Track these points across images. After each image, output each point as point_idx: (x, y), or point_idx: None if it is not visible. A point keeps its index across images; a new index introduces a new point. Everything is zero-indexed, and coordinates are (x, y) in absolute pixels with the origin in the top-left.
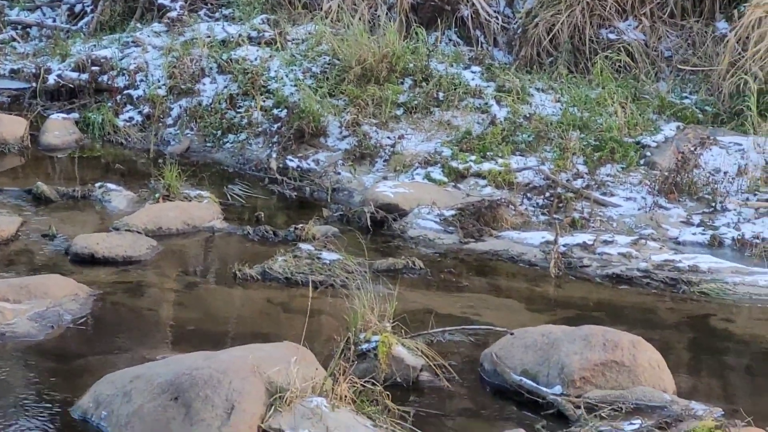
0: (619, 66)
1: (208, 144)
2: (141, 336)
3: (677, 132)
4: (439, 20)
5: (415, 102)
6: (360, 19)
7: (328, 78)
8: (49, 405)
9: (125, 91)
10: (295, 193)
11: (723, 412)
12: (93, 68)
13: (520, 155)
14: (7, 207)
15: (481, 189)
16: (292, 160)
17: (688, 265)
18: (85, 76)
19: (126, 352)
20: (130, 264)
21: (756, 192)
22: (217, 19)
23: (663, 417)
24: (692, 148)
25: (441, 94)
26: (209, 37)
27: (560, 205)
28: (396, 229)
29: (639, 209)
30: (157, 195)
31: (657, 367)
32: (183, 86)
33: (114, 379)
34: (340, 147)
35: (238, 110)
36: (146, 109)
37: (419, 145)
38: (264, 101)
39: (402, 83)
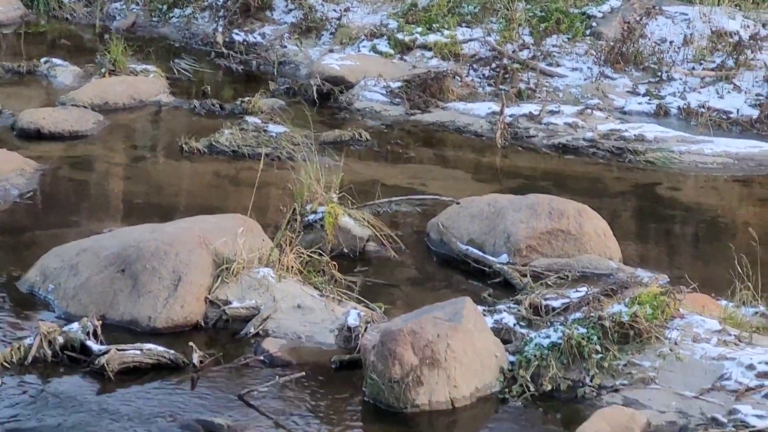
0: None
1: (154, 19)
2: (88, 210)
3: (623, 2)
4: None
5: None
6: None
7: None
8: None
9: None
10: (242, 67)
11: (668, 279)
12: None
13: (466, 27)
14: None
15: (427, 61)
16: (239, 34)
17: (634, 135)
18: None
19: (73, 225)
20: (77, 139)
21: (701, 61)
22: None
23: (609, 284)
24: (638, 18)
25: None
26: None
27: (506, 76)
28: (342, 102)
29: (585, 79)
30: (103, 70)
31: (603, 235)
32: None
33: (61, 253)
34: (286, 20)
35: None
36: None
37: (365, 17)
38: None
39: None
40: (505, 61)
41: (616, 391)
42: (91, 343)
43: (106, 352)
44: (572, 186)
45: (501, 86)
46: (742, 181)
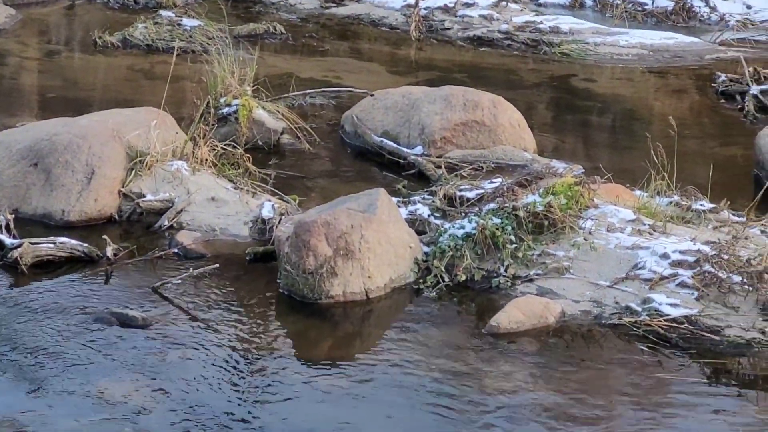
0: None
1: None
2: (0, 104)
3: None
4: None
5: None
6: None
7: None
8: None
9: None
10: None
11: (583, 170)
12: None
13: None
14: None
15: None
16: None
17: (549, 27)
18: None
19: None
20: None
21: None
22: None
23: (523, 175)
24: None
25: None
26: None
27: None
28: None
29: None
30: None
31: (518, 127)
32: None
33: None
34: None
35: None
36: None
37: None
38: None
39: None
40: None
41: (531, 281)
42: (4, 237)
43: (19, 246)
44: (487, 78)
45: None
46: (657, 73)
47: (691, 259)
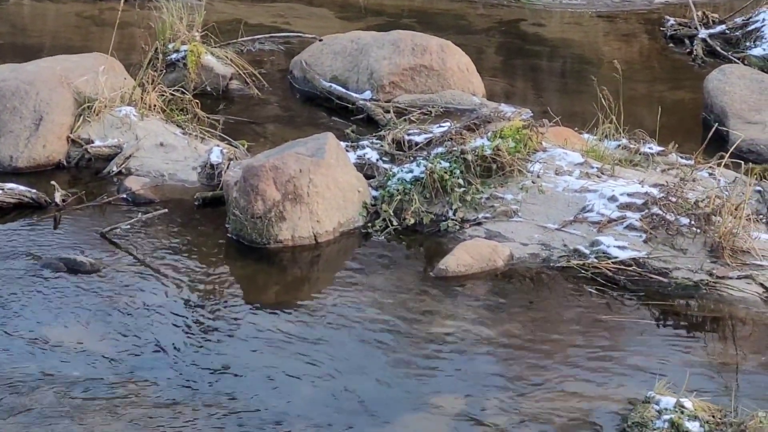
0: None
1: None
2: None
3: None
4: None
5: None
6: None
7: None
8: None
9: None
10: None
11: (532, 113)
12: None
13: None
14: None
15: None
16: None
17: None
18: None
19: None
20: None
21: None
22: None
23: (472, 119)
24: None
25: None
26: None
27: None
28: None
29: None
30: None
31: (466, 71)
32: None
33: None
34: None
35: None
36: None
37: None
38: None
39: None
40: None
41: (479, 224)
42: None
43: None
44: (436, 23)
45: None
46: (606, 17)
47: (639, 201)
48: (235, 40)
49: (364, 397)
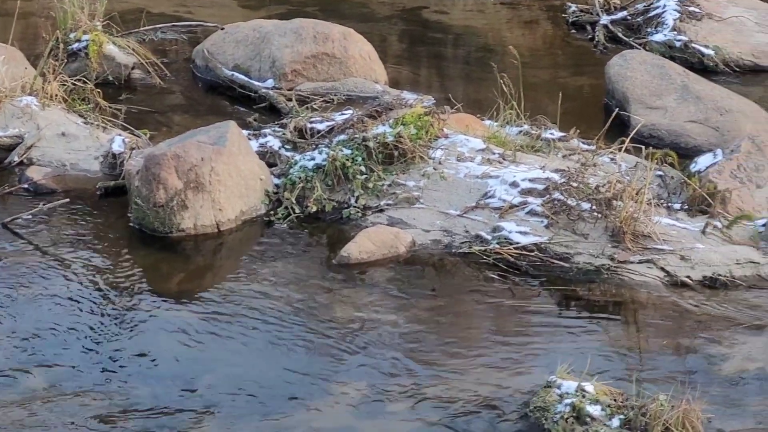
0: None
1: None
2: None
3: None
4: None
5: None
6: None
7: None
8: None
9: None
10: None
11: (434, 100)
12: None
13: None
14: None
15: None
16: None
17: None
18: None
19: None
20: None
21: None
22: None
23: (374, 106)
24: None
25: None
26: None
27: None
28: None
29: None
30: None
31: (368, 59)
32: None
33: None
34: None
35: None
36: None
37: None
38: None
39: None
40: None
41: (381, 211)
42: None
43: None
44: (339, 11)
45: None
46: (508, 4)
47: (540, 187)
48: (137, 30)
49: (267, 385)
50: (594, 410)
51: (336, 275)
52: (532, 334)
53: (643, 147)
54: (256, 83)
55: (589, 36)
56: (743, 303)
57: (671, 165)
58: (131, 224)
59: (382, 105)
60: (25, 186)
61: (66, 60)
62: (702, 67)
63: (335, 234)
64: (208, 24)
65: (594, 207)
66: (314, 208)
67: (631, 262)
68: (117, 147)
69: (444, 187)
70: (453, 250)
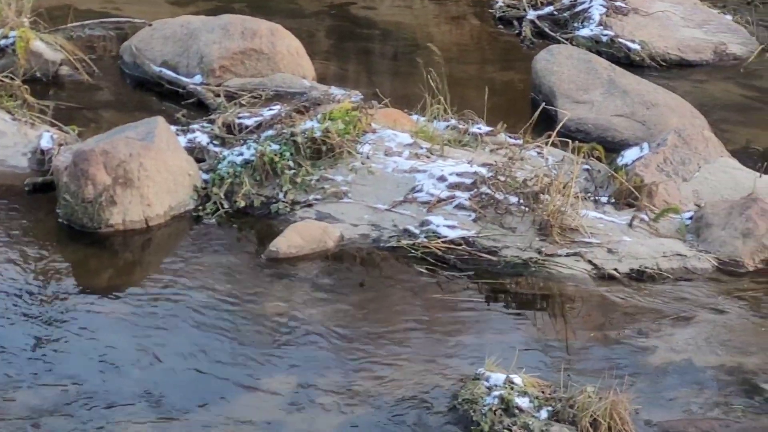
0: None
1: None
2: None
3: None
4: None
5: None
6: None
7: None
8: None
9: None
10: None
11: (362, 96)
12: None
13: None
14: None
15: None
16: None
17: None
18: None
19: None
20: None
21: None
22: None
23: (302, 102)
24: None
25: None
26: None
27: None
28: None
29: None
30: None
31: (296, 54)
32: None
33: None
34: None
35: None
36: None
37: None
38: None
39: None
40: None
41: (310, 205)
42: None
43: None
44: (267, 7)
45: None
46: (436, 0)
47: (468, 181)
48: (64, 26)
49: (196, 380)
50: (522, 402)
51: (265, 270)
52: (460, 327)
53: (570, 141)
54: (185, 79)
55: (516, 31)
56: (670, 295)
57: (598, 159)
58: (60, 220)
59: (310, 100)
60: None
61: None
62: (628, 62)
63: (264, 229)
64: (136, 20)
65: (521, 201)
66: (243, 203)
67: (559, 255)
68: (45, 143)
69: (372, 181)
70: (381, 244)
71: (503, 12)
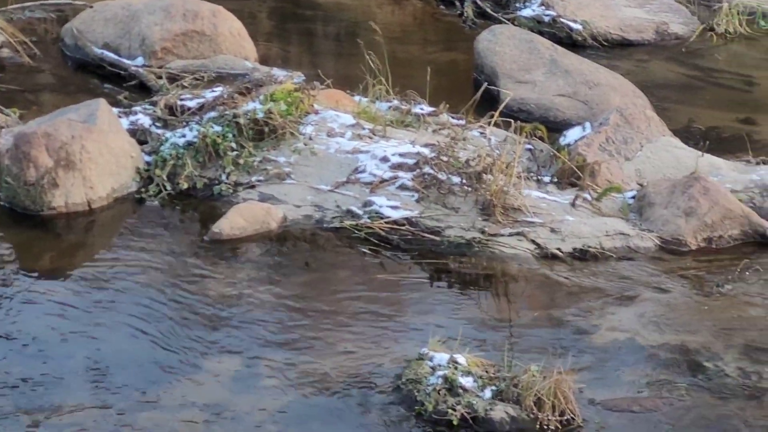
0: None
1: None
2: None
3: None
4: None
5: None
6: None
7: None
8: None
9: None
10: None
11: (304, 77)
12: None
13: None
14: None
15: None
16: None
17: None
18: None
19: None
20: None
21: None
22: None
23: (244, 83)
24: None
25: None
26: None
27: None
28: None
29: None
30: None
31: (238, 36)
32: None
33: None
34: None
35: None
36: None
37: None
38: None
39: None
40: None
41: (253, 187)
42: None
43: None
44: None
45: None
46: None
47: (411, 161)
48: (4, 8)
49: (140, 362)
50: (466, 382)
51: (208, 251)
52: (404, 308)
53: (513, 121)
54: (126, 61)
55: (458, 12)
56: (613, 274)
57: (540, 138)
58: (1, 203)
59: (252, 82)
60: None
61: None
62: (570, 42)
63: (207, 210)
64: (77, 2)
65: (464, 181)
66: (185, 185)
67: (502, 235)
68: None
69: (315, 162)
70: (324, 225)
71: None
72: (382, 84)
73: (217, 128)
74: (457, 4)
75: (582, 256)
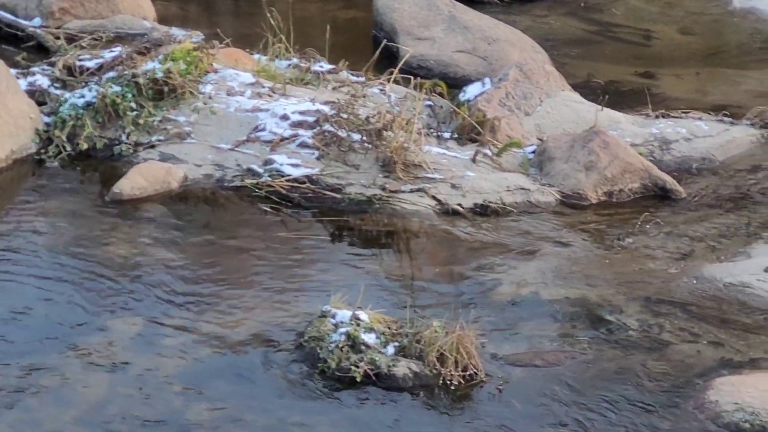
0: None
1: None
2: None
3: None
4: None
5: None
6: None
7: None
8: None
9: None
10: None
11: (203, 36)
12: None
13: None
14: None
15: None
16: None
17: None
18: None
19: None
20: None
21: None
22: None
23: (143, 43)
24: None
25: None
26: None
27: None
28: None
29: None
30: None
31: None
32: None
33: None
34: None
35: None
36: None
37: None
38: None
39: None
40: None
41: (153, 147)
42: None
43: None
44: None
45: None
46: None
47: (311, 119)
48: None
49: (41, 325)
50: (369, 338)
51: (109, 212)
52: (306, 266)
53: (412, 77)
54: (23, 22)
55: None
56: (514, 229)
57: (440, 95)
58: None
59: (151, 42)
60: None
61: None
62: None
63: (107, 171)
64: None
65: (364, 138)
66: (85, 146)
67: (403, 192)
68: None
69: (215, 121)
70: (225, 184)
71: None
72: (282, 42)
73: (117, 88)
74: None
75: (483, 211)
